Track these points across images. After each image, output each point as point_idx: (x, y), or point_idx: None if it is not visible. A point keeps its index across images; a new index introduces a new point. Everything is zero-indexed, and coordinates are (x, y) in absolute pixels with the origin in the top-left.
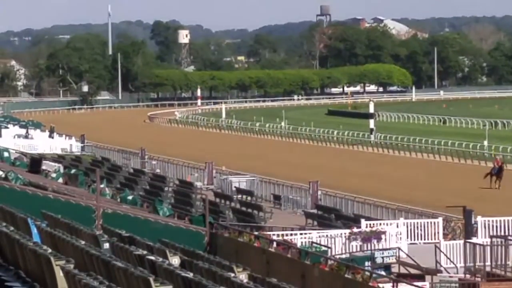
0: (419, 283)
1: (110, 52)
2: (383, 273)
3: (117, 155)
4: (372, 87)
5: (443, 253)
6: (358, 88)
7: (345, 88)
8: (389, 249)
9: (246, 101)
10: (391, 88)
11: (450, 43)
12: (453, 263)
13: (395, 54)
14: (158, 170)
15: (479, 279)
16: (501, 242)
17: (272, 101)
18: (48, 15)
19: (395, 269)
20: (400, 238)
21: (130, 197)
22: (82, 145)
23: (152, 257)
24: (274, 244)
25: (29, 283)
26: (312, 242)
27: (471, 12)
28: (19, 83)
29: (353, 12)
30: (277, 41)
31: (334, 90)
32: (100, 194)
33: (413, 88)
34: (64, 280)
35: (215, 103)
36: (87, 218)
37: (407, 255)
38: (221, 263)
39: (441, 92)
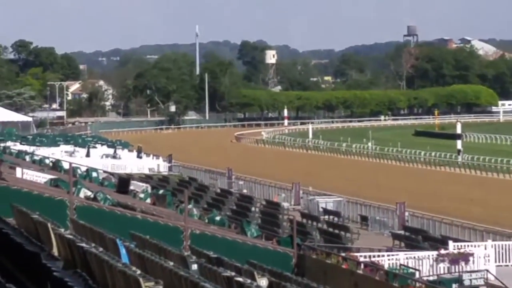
0: None
1: (198, 72)
2: None
3: (204, 175)
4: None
5: None
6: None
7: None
8: (477, 271)
9: (332, 121)
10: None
11: None
12: None
13: (482, 75)
14: (245, 191)
15: None
16: None
17: (358, 121)
18: (136, 35)
19: None
20: (488, 260)
21: (217, 218)
22: (170, 165)
23: (240, 279)
24: (362, 266)
25: None
26: (401, 264)
27: None
28: (107, 103)
29: (440, 32)
30: (364, 61)
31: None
32: (188, 215)
33: (501, 108)
34: None
35: (301, 123)
36: (175, 238)
37: (495, 277)
38: (309, 285)
39: None
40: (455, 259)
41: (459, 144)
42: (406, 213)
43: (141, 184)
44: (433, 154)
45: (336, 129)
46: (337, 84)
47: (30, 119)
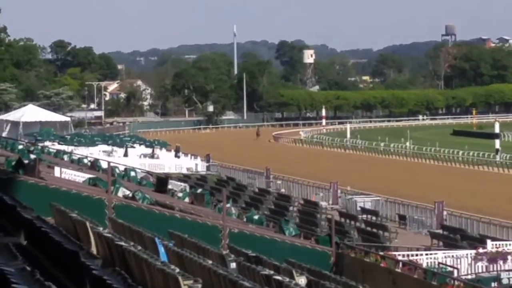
0: None
1: (236, 72)
2: None
3: (242, 175)
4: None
5: None
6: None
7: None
8: None
9: (370, 121)
10: None
11: None
12: None
13: None
14: (283, 190)
15: None
16: None
17: (396, 121)
18: (174, 35)
19: None
20: None
21: (256, 217)
22: (208, 164)
23: (279, 277)
24: (400, 265)
25: None
26: (440, 263)
27: None
28: (145, 103)
29: (478, 32)
30: (402, 61)
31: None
32: (226, 214)
33: None
34: None
35: (339, 123)
36: (213, 237)
37: None
38: (348, 283)
39: None
40: (493, 258)
41: (497, 143)
42: (444, 212)
43: (179, 183)
44: (471, 153)
45: (374, 128)
46: (375, 84)
47: (68, 119)
